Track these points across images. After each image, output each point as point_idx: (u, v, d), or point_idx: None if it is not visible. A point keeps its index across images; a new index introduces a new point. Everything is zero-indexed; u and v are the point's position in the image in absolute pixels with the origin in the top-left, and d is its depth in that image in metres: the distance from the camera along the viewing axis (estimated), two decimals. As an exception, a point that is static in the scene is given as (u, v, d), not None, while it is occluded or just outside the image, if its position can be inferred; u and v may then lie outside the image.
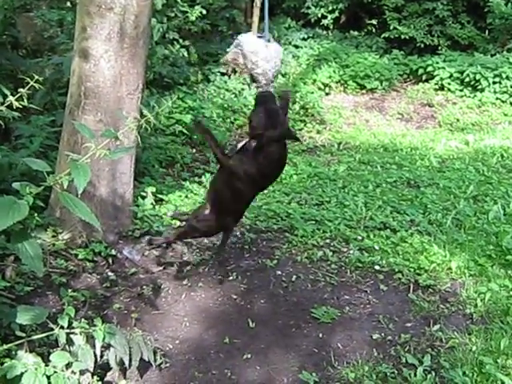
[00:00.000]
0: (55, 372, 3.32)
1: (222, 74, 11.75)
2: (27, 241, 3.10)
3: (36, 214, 5.06)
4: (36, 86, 3.19)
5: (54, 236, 5.37)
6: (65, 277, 4.97)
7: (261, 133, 4.61)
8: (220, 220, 4.98)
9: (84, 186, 3.01)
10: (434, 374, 4.07)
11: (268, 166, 4.74)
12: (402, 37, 14.63)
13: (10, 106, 3.18)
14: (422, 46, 14.57)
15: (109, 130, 3.48)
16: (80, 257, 5.21)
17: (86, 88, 5.24)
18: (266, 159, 4.69)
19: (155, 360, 3.99)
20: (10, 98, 3.14)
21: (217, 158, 4.84)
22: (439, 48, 14.51)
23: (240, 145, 5.08)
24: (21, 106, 3.17)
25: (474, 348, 4.32)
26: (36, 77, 3.18)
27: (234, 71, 11.69)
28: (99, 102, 5.25)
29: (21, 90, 3.16)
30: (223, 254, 5.45)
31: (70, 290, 4.58)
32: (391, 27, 14.80)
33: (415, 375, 4.05)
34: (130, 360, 3.78)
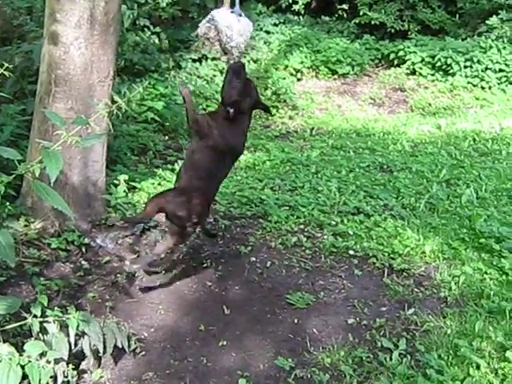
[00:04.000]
0: (29, 361, 3.29)
1: (194, 61, 11.70)
2: (-1, 230, 3.07)
3: (8, 204, 5.05)
4: (6, 74, 3.15)
5: (26, 225, 5.31)
6: (38, 266, 4.92)
7: (238, 99, 4.63)
8: (204, 201, 4.81)
9: (56, 174, 2.98)
10: (409, 357, 4.08)
11: (236, 137, 4.78)
12: (373, 22, 14.62)
13: (-21, 95, 3.14)
14: (393, 31, 14.59)
15: (80, 117, 3.44)
16: (53, 246, 5.17)
17: (57, 75, 5.19)
18: (236, 130, 4.73)
19: (129, 346, 3.96)
20: (-20, 87, 3.09)
21: (195, 123, 4.72)
22: (410, 33, 14.52)
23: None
24: (-10, 95, 3.13)
25: (448, 331, 4.35)
26: (6, 65, 3.13)
27: (204, 57, 11.66)
28: (70, 89, 5.20)
29: (-10, 78, 3.11)
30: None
31: (42, 279, 4.56)
32: (361, 13, 14.78)
33: (391, 359, 4.06)
34: (105, 347, 3.76)
